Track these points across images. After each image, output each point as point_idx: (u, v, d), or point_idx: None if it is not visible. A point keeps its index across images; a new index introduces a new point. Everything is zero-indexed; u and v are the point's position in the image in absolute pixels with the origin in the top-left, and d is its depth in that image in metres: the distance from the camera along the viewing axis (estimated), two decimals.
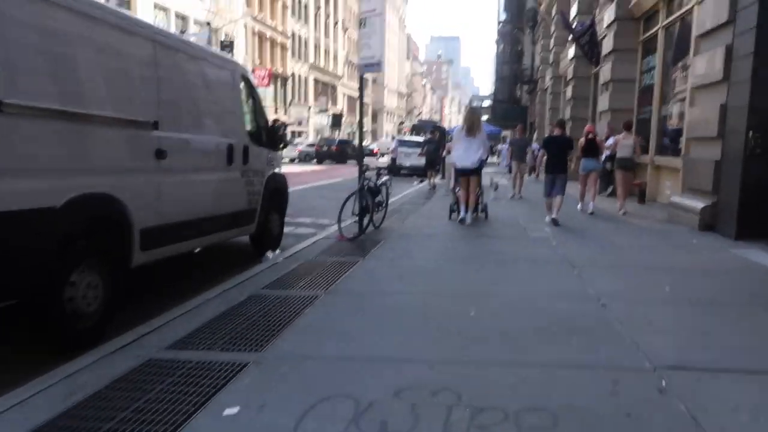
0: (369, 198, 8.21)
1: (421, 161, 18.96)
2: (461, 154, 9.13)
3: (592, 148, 11.21)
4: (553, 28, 28.23)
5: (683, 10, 11.88)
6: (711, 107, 8.48)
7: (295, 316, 4.24)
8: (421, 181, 19.20)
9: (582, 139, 11.43)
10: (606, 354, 3.37)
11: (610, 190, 14.38)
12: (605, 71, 15.99)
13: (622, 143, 11.43)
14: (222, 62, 5.99)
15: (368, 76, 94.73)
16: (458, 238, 8.07)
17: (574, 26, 16.36)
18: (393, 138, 37.82)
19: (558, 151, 9.79)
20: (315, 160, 37.61)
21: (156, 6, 32.87)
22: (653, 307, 4.40)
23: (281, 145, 7.16)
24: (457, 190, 9.55)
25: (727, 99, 8.07)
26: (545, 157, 9.93)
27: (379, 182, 8.93)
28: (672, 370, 3.09)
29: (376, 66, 7.94)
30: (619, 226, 9.32)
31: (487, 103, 62.00)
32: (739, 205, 7.58)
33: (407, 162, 23.92)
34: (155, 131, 4.64)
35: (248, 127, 6.54)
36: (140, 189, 4.49)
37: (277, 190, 7.25)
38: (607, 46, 15.80)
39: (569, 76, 22.61)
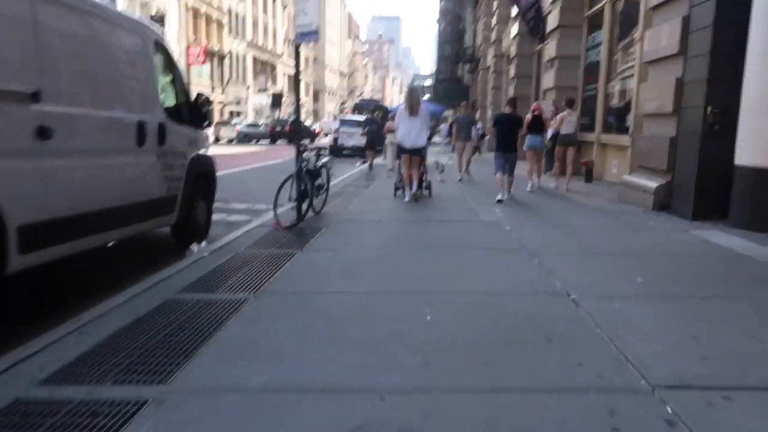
0: (308, 181, 7.45)
1: (364, 141, 18.28)
2: (405, 134, 9.29)
3: (537, 125, 11.36)
4: (495, 6, 27.87)
5: None
6: (665, 82, 8.15)
7: (216, 328, 3.49)
8: (364, 162, 18.51)
9: (528, 116, 11.38)
10: (593, 369, 2.81)
11: (555, 169, 14.15)
12: (550, 48, 15.69)
13: (567, 120, 11.46)
14: (129, 24, 5.00)
15: (308, 54, 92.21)
16: (406, 223, 7.46)
17: (520, 1, 15.92)
18: (335, 118, 36.90)
19: (509, 129, 9.78)
20: (269, 140, 37.67)
21: None
22: (629, 304, 3.90)
23: (206, 123, 6.26)
24: (401, 169, 9.61)
25: (684, 73, 7.74)
26: (495, 135, 9.95)
27: (319, 164, 8.17)
28: (674, 391, 2.55)
29: (312, 34, 7.13)
30: (570, 207, 8.95)
31: (428, 82, 61.69)
32: (696, 184, 7.29)
33: (350, 142, 23.15)
34: (36, 104, 3.72)
35: (165, 102, 5.64)
36: (16, 176, 3.58)
37: (202, 174, 6.38)
38: (552, 22, 15.47)
39: (512, 54, 22.35)
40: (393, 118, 17.47)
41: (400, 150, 9.56)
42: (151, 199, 5.24)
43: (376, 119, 18.72)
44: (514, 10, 22.03)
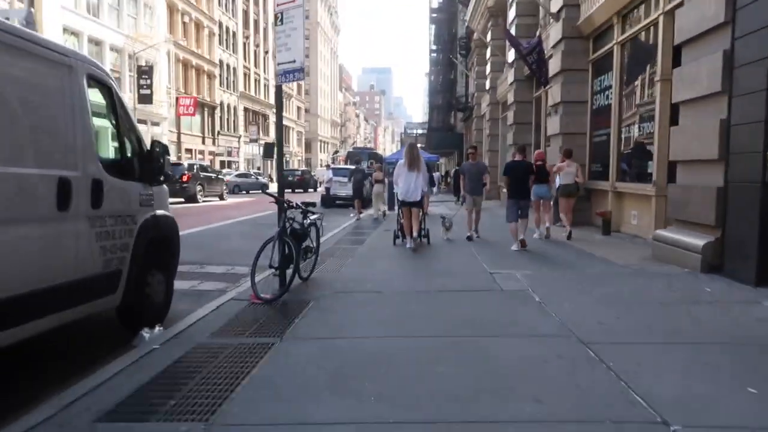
0: (292, 244, 6.19)
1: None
2: (403, 187, 9.59)
3: (542, 174, 10.91)
4: (488, 54, 27.46)
5: (645, 21, 10.72)
6: (706, 125, 7.08)
7: None
8: (361, 213, 17.50)
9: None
10: None
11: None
12: (554, 93, 14.81)
13: (566, 170, 11.12)
14: (48, 52, 3.77)
15: (300, 104, 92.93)
16: (411, 295, 6.12)
17: (520, 45, 15.11)
18: (327, 167, 36.04)
19: (520, 176, 9.77)
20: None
21: (66, 30, 29.62)
22: None
23: (162, 178, 5.01)
24: (401, 219, 10.03)
25: (730, 114, 6.66)
26: (506, 183, 9.93)
27: (307, 222, 6.93)
28: None
29: (297, 73, 6.01)
30: (601, 267, 7.71)
31: (420, 131, 61.56)
32: (759, 241, 6.08)
33: (342, 191, 22.04)
34: None
35: (106, 152, 4.43)
36: None
37: (159, 240, 5.11)
38: (554, 66, 14.62)
39: (509, 101, 21.66)
40: (380, 168, 17.63)
41: (400, 202, 9.93)
42: (80, 279, 3.93)
43: (362, 169, 18.36)
44: (511, 56, 21.42)
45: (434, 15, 54.67)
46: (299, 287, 6.46)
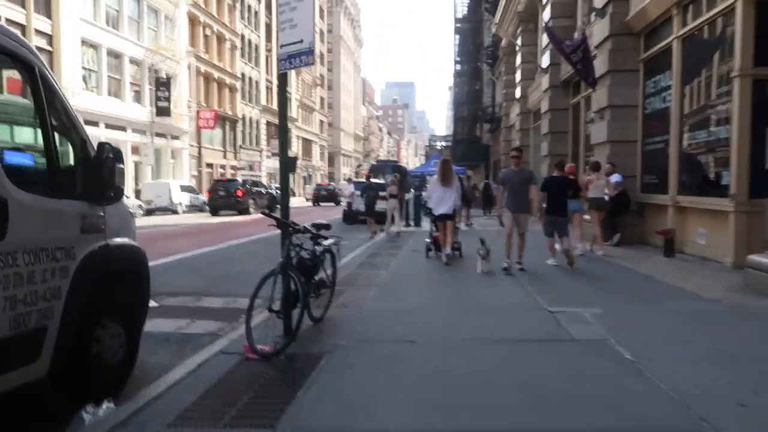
0: (298, 279, 4.78)
1: (384, 205, 16.34)
2: (438, 202, 9.81)
3: (574, 189, 10.11)
4: (518, 62, 26.05)
5: (716, 9, 9.17)
6: None
7: None
8: (382, 230, 16.14)
9: None
10: None
11: (616, 239, 11.53)
12: (599, 96, 13.28)
13: (596, 183, 10.79)
14: None
15: (324, 118, 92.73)
16: (455, 347, 4.60)
17: (562, 42, 13.63)
18: (349, 180, 34.68)
19: (558, 192, 9.19)
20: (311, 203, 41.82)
21: (84, 42, 29.01)
22: None
23: (113, 193, 3.64)
24: (433, 232, 10.44)
25: None
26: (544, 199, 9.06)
27: (319, 249, 5.53)
28: None
29: (305, 56, 4.66)
30: (687, 303, 6.14)
31: (444, 143, 60.17)
32: None
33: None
34: None
35: (18, 158, 3.11)
36: None
37: (114, 280, 3.76)
38: (600, 67, 13.10)
39: (543, 109, 20.17)
40: (397, 180, 16.84)
41: (434, 216, 10.12)
42: None
43: (374, 185, 17.79)
44: (545, 62, 19.98)
45: (458, 25, 53.50)
46: (309, 332, 5.08)
